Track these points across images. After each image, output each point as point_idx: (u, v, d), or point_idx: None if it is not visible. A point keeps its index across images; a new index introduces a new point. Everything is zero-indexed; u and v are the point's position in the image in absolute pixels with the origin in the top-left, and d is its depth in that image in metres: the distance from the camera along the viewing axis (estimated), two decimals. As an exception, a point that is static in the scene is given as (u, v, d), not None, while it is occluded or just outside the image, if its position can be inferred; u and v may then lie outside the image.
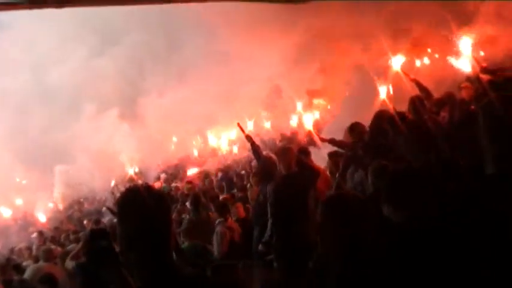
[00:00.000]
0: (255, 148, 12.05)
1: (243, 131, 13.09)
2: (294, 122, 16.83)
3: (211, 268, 6.50)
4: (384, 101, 12.03)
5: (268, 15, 17.12)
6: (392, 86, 13.69)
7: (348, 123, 10.62)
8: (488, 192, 4.05)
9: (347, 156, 10.20)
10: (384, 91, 12.30)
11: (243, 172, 17.35)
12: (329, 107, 16.25)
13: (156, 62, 26.79)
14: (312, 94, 18.41)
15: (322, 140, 11.87)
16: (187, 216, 12.68)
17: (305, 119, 12.90)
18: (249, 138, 12.34)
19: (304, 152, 10.93)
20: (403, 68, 12.49)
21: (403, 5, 15.10)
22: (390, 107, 10.85)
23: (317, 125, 13.40)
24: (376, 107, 11.46)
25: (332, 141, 11.46)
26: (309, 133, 12.60)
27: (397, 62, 12.46)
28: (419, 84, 11.32)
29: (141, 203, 3.37)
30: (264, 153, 12.72)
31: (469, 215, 4.07)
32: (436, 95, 11.71)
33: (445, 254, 3.96)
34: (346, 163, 10.13)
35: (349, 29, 16.33)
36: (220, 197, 13.81)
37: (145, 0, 14.42)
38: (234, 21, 18.17)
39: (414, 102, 9.87)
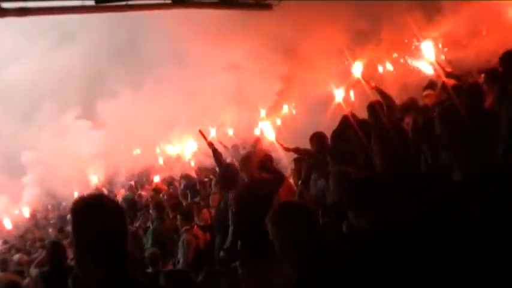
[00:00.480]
0: (216, 155, 12.05)
1: (204, 137, 13.08)
2: (257, 129, 16.75)
3: (164, 275, 6.48)
4: (339, 104, 12.03)
5: (235, 19, 17.14)
6: (356, 93, 13.74)
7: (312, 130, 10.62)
8: (460, 197, 4.08)
9: (309, 164, 10.19)
10: (339, 95, 12.28)
11: (206, 179, 17.28)
12: (294, 112, 16.25)
13: (116, 64, 26.49)
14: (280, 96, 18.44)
15: (287, 149, 11.83)
16: (151, 225, 12.63)
17: (266, 129, 12.83)
18: (210, 145, 12.34)
19: (268, 158, 10.93)
20: (364, 74, 12.50)
21: (367, 8, 15.20)
22: (347, 111, 10.85)
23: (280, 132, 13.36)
24: (336, 113, 11.49)
25: (296, 150, 11.44)
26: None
27: (357, 69, 12.46)
28: (380, 92, 11.31)
29: (96, 212, 3.36)
30: (227, 160, 12.71)
31: (443, 219, 4.07)
32: (401, 100, 11.79)
33: (411, 258, 3.97)
34: (308, 171, 10.12)
35: (314, 35, 16.38)
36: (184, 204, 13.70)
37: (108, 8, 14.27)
38: (197, 24, 18.14)
39: (374, 107, 9.86)
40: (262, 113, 15.94)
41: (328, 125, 11.09)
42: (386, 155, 6.44)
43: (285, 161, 12.20)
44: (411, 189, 5.16)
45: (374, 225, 4.31)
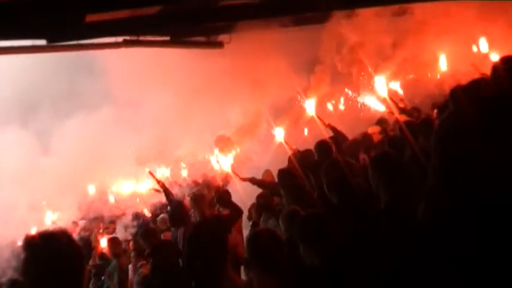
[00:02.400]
0: (167, 194, 12.01)
1: (154, 177, 13.02)
2: (212, 165, 16.70)
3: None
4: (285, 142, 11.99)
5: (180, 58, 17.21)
6: (310, 129, 13.73)
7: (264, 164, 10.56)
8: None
9: (258, 204, 10.12)
10: (280, 134, 12.23)
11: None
12: (238, 150, 16.23)
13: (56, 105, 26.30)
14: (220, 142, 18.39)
15: (243, 179, 11.76)
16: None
17: (221, 161, 12.77)
18: (161, 184, 12.28)
19: (225, 192, 10.93)
20: (317, 111, 12.49)
21: (320, 44, 15.27)
22: (290, 149, 10.84)
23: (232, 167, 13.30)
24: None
25: (252, 180, 11.38)
26: (227, 175, 12.52)
27: (310, 105, 12.44)
28: (334, 129, 11.31)
29: (54, 248, 3.28)
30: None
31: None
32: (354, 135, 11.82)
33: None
34: (258, 211, 10.07)
35: (265, 71, 16.42)
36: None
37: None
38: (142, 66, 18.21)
39: (322, 146, 9.78)
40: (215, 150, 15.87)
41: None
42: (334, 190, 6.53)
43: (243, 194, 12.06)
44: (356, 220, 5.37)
45: (324, 260, 4.56)
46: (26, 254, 3.34)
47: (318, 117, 12.14)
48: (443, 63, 12.74)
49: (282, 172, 9.43)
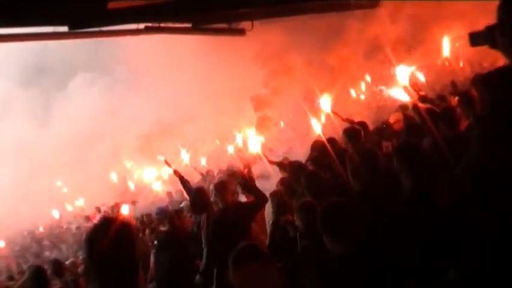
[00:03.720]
0: (183, 183, 11.96)
1: (169, 166, 12.98)
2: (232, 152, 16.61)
3: None
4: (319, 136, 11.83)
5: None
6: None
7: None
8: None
9: (279, 202, 9.99)
10: (318, 126, 12.05)
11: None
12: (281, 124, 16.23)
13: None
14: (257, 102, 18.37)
15: (271, 162, 11.70)
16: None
17: (252, 141, 12.66)
18: (176, 173, 12.24)
19: (250, 178, 10.93)
20: (333, 107, 12.34)
21: (339, 35, 15.24)
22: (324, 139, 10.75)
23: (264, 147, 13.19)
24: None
25: (280, 165, 11.31)
26: (249, 162, 12.45)
27: (325, 102, 12.28)
28: (352, 123, 11.18)
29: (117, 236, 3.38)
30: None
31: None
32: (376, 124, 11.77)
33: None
34: (279, 208, 9.98)
35: (289, 60, 16.43)
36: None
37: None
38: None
39: (349, 134, 9.71)
40: (238, 138, 15.78)
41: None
42: (358, 178, 6.52)
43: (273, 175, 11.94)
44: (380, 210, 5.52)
45: (349, 248, 4.49)
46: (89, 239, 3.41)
47: (334, 112, 11.98)
48: (462, 50, 12.56)
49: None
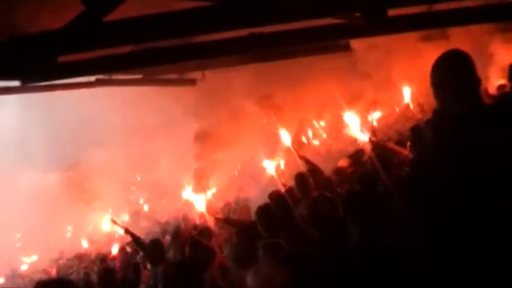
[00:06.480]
0: (136, 239, 11.91)
1: (117, 224, 12.97)
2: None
3: None
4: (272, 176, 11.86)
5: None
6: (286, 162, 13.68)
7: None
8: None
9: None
10: (271, 166, 12.10)
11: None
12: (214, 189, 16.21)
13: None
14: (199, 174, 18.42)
15: (217, 219, 11.68)
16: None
17: (195, 201, 12.60)
18: (127, 231, 12.21)
19: (203, 234, 10.83)
20: (293, 143, 12.41)
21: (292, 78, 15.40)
22: (279, 183, 10.77)
23: (211, 205, 13.17)
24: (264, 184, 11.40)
25: (227, 221, 11.34)
26: (202, 215, 12.42)
27: (285, 137, 12.33)
28: (307, 161, 11.23)
29: None
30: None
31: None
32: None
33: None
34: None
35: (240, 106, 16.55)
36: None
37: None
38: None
39: (301, 178, 9.75)
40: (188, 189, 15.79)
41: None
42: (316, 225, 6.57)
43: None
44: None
45: None
46: None
47: (294, 148, 12.04)
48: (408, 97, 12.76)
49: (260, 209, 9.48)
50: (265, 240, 7.31)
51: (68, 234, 25.25)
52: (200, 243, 9.88)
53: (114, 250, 16.00)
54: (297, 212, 8.51)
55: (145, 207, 16.49)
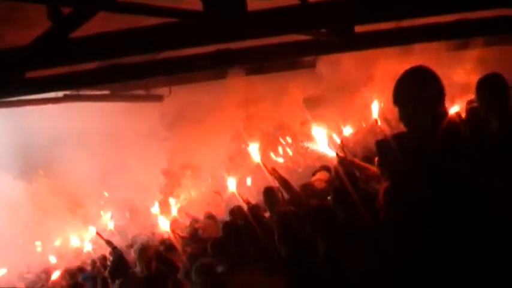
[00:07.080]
0: (118, 252, 11.91)
1: (103, 238, 12.94)
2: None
3: None
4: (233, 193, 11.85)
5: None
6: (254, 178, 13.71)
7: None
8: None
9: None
10: (232, 184, 12.07)
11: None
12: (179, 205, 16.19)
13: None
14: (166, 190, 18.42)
15: (183, 237, 11.70)
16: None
17: (160, 221, 12.59)
18: (109, 243, 12.19)
19: (169, 248, 10.83)
20: (263, 158, 12.39)
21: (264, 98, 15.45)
22: (241, 200, 10.79)
23: (176, 223, 13.21)
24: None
25: (193, 238, 11.40)
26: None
27: (254, 152, 12.29)
28: (278, 176, 11.21)
29: None
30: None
31: None
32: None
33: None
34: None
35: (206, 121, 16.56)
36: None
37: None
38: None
39: (270, 193, 9.79)
40: (156, 206, 15.74)
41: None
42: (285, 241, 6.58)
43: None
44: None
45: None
46: None
47: (263, 164, 12.01)
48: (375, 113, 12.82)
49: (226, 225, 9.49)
50: (198, 261, 7.42)
51: (38, 249, 25.01)
52: (166, 258, 9.92)
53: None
54: (263, 227, 8.57)
55: (111, 224, 16.33)
